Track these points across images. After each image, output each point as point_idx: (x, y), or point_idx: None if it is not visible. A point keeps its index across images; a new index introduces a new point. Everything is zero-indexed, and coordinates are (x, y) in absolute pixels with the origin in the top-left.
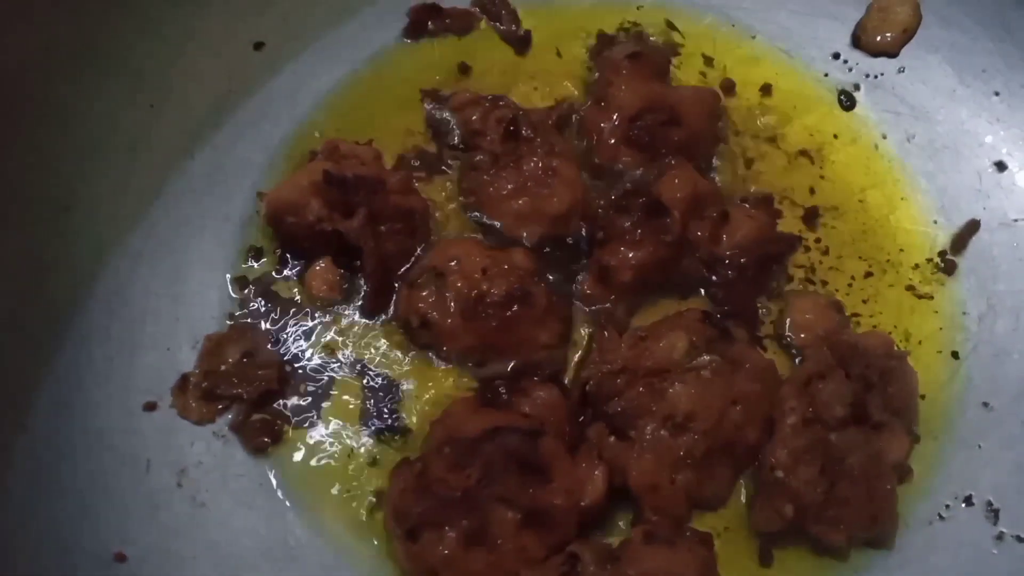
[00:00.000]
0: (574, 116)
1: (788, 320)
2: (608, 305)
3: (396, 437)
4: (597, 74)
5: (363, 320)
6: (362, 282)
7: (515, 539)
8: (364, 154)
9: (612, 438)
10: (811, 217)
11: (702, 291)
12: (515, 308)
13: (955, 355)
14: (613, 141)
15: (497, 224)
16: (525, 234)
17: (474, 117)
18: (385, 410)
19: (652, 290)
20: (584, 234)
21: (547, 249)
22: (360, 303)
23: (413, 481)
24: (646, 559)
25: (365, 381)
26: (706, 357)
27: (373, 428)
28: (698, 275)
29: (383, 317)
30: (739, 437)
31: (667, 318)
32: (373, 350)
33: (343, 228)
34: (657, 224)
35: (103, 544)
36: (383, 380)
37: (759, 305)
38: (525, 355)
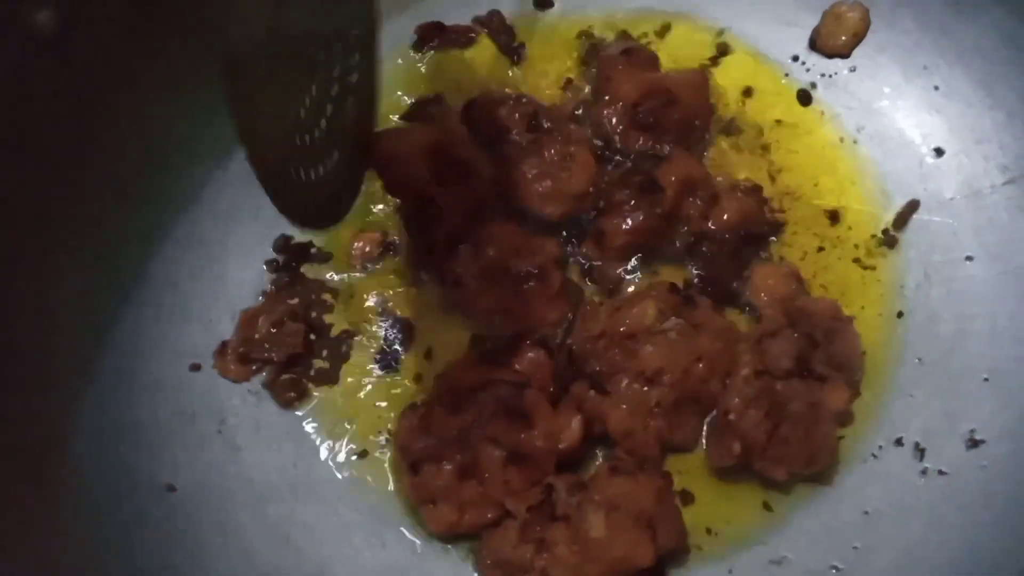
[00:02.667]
0: (583, 110)
1: (752, 286)
2: (601, 263)
3: (405, 382)
4: (596, 73)
5: (378, 296)
6: (396, 243)
7: (501, 474)
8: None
9: (592, 393)
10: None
11: (691, 265)
12: (532, 284)
13: (900, 315)
14: (621, 128)
15: (525, 205)
16: (548, 211)
17: (501, 113)
18: (395, 363)
19: (644, 257)
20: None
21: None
22: (396, 267)
23: (417, 423)
24: (610, 487)
25: (379, 343)
26: (673, 320)
27: (386, 378)
28: (686, 247)
29: (398, 292)
30: (703, 389)
31: (639, 291)
32: (390, 306)
33: (436, 193)
34: (651, 198)
35: (157, 477)
36: (396, 334)
37: (741, 277)
38: (532, 326)
